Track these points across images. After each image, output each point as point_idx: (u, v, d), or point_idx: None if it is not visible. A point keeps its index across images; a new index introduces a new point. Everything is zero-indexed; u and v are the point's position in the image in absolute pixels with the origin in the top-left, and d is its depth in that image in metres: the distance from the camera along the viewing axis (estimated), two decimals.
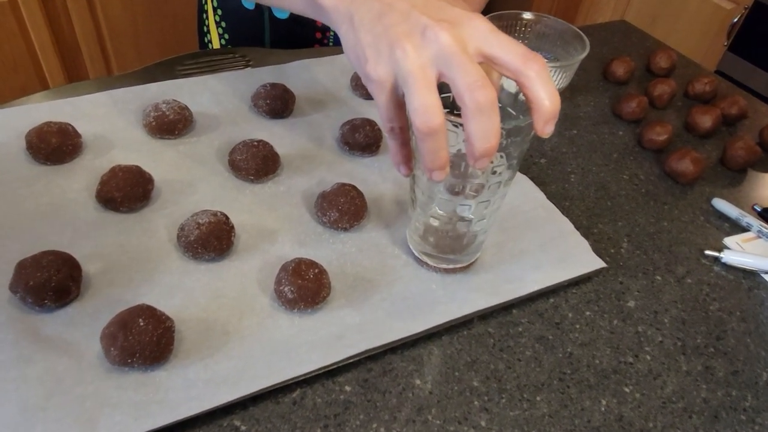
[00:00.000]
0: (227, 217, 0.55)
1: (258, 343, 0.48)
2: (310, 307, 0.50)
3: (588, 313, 0.55)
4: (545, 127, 0.37)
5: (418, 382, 0.48)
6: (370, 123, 0.68)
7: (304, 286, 0.49)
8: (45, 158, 0.60)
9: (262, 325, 0.49)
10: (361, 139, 0.66)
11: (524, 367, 0.50)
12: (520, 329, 0.53)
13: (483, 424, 0.46)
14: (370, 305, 0.52)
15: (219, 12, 0.91)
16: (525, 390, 0.48)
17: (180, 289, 0.51)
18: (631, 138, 0.78)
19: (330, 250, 0.57)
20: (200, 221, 0.53)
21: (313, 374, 0.46)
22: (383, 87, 0.39)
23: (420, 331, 0.50)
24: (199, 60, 0.76)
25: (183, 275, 0.53)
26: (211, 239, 0.53)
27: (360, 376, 0.48)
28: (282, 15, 0.89)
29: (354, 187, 0.59)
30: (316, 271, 0.51)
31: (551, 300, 0.56)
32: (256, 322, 0.49)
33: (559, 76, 0.76)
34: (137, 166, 0.58)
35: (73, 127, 0.63)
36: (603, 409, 0.48)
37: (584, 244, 0.59)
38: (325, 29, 0.90)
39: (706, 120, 0.77)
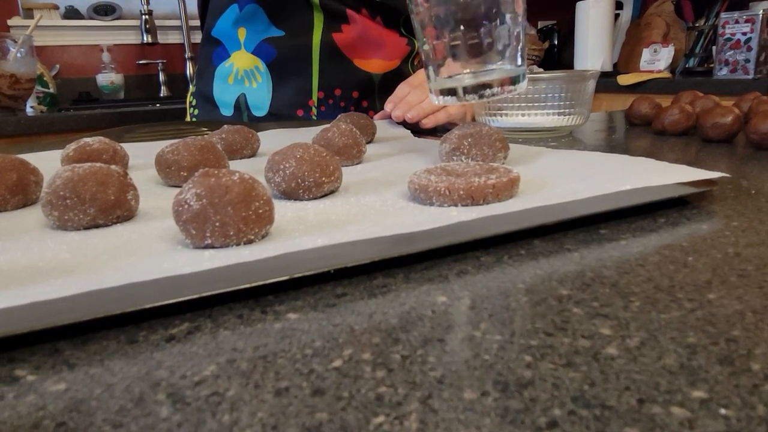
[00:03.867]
0: (125, 173, 0.36)
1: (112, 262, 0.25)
2: (233, 229, 0.28)
3: (735, 223, 0.31)
4: None
5: (442, 299, 0.23)
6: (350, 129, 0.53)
7: (222, 186, 0.28)
8: None
9: (140, 255, 0.26)
10: (339, 141, 0.51)
11: (656, 270, 0.25)
12: (623, 242, 0.29)
13: (607, 332, 0.19)
14: (342, 233, 0.29)
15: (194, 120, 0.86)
16: (675, 291, 0.22)
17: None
18: (684, 144, 0.61)
19: (282, 207, 0.36)
20: (76, 168, 0.34)
21: (215, 293, 0.22)
22: None
23: (423, 230, 0.27)
24: (154, 129, 0.66)
25: (33, 240, 0.31)
26: (89, 184, 0.33)
27: (319, 300, 0.23)
28: (260, 112, 0.82)
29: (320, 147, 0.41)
30: (248, 178, 0.30)
31: (660, 219, 0.32)
32: (128, 259, 0.27)
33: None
34: (19, 157, 0.42)
35: None
36: None
37: (687, 168, 0.38)
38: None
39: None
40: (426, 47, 0.45)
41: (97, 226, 0.34)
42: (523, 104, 0.68)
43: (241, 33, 0.82)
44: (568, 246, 0.28)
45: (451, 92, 0.45)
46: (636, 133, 0.69)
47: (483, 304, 0.22)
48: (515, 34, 0.43)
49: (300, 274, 0.23)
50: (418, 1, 0.44)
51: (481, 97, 0.44)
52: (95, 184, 0.33)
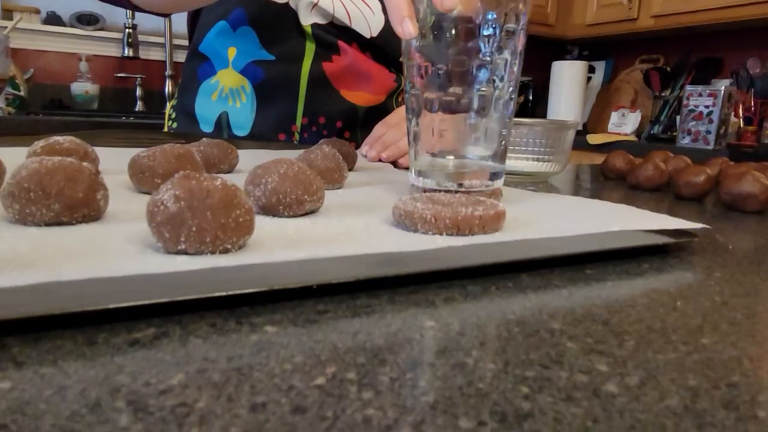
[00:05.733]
0: (96, 171, 0.34)
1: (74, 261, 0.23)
2: (210, 236, 0.26)
3: (718, 274, 0.31)
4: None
5: (431, 323, 0.21)
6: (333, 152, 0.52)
7: (204, 189, 0.27)
8: None
9: (106, 255, 0.24)
10: (322, 164, 0.50)
11: (646, 312, 0.24)
12: (610, 283, 0.28)
13: (604, 368, 0.18)
14: (325, 250, 0.28)
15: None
16: (668, 333, 0.22)
17: None
18: (657, 200, 0.62)
19: (260, 221, 0.35)
20: (44, 160, 0.32)
21: (188, 298, 0.20)
22: None
23: (412, 251, 0.26)
24: (129, 135, 0.64)
25: None
26: (57, 178, 0.31)
27: (299, 315, 0.21)
28: (242, 132, 0.81)
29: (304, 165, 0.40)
30: (230, 185, 0.28)
31: (644, 265, 0.32)
32: (98, 260, 0.25)
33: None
34: None
35: None
36: None
37: (671, 218, 0.38)
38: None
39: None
40: (415, 128, 0.45)
41: (60, 224, 0.32)
42: None
43: (231, 52, 0.81)
44: (556, 282, 0.28)
45: (432, 176, 0.44)
46: (610, 186, 0.70)
47: (473, 331, 0.21)
48: (503, 133, 0.44)
49: (281, 287, 0.22)
50: (414, 83, 0.44)
51: (460, 186, 0.43)
52: (63, 178, 0.31)
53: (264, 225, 0.34)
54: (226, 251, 0.27)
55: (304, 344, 0.19)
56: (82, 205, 0.32)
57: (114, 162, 0.55)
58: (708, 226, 0.36)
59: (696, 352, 0.20)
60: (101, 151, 0.57)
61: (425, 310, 0.23)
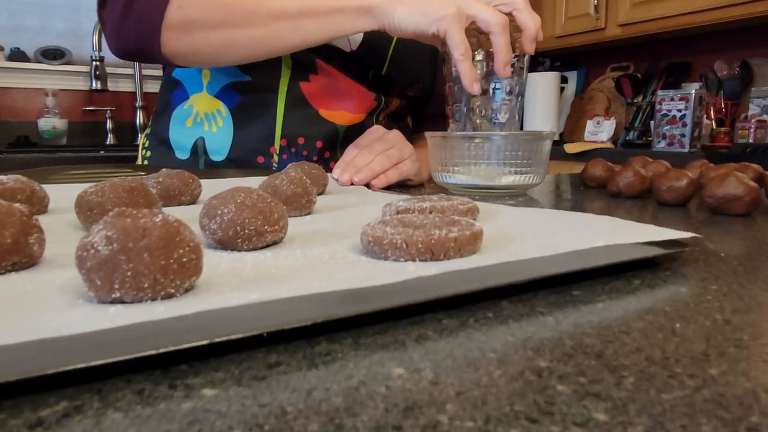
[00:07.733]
0: (29, 213, 0.31)
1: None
2: (148, 281, 0.23)
3: (714, 286, 0.29)
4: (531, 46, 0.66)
5: (399, 371, 0.19)
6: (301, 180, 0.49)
7: (139, 228, 0.24)
8: None
9: (26, 310, 0.21)
10: (287, 189, 0.47)
11: (643, 339, 0.21)
12: (600, 305, 0.25)
13: (602, 417, 0.16)
14: (281, 289, 0.25)
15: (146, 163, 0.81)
16: (670, 364, 0.19)
17: None
18: (639, 207, 0.60)
19: (216, 257, 0.32)
20: None
21: (105, 362, 0.17)
22: (455, 17, 0.59)
23: (376, 286, 0.23)
24: (86, 170, 0.60)
25: None
26: None
27: (245, 371, 0.18)
28: (219, 157, 0.78)
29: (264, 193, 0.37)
30: (172, 221, 0.25)
31: (635, 281, 0.29)
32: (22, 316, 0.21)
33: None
34: None
35: None
36: None
37: (657, 228, 0.36)
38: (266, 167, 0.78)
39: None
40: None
41: None
42: (479, 161, 0.66)
43: (205, 75, 0.79)
44: (540, 309, 0.25)
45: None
46: (591, 195, 0.68)
47: (448, 378, 0.18)
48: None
49: (222, 339, 0.19)
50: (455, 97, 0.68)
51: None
52: None
53: (219, 261, 0.31)
54: (169, 296, 0.24)
55: (246, 410, 0.16)
56: (11, 252, 0.28)
57: (66, 200, 0.51)
58: (698, 235, 0.33)
59: (705, 387, 0.17)
60: (54, 189, 0.54)
61: (394, 354, 0.20)
